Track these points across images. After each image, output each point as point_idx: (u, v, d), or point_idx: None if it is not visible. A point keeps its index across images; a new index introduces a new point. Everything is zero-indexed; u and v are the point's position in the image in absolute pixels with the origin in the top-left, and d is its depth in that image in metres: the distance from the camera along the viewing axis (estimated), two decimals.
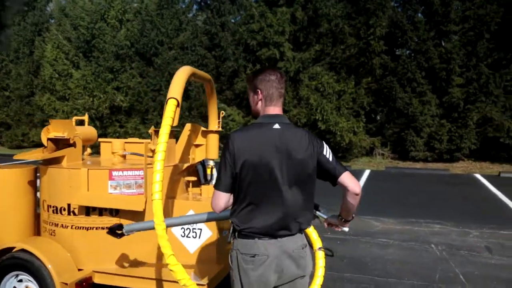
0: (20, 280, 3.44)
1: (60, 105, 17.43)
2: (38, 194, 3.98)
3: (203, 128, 4.02)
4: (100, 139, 4.36)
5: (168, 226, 2.88)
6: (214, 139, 4.02)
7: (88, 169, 3.42)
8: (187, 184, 3.98)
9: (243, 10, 16.10)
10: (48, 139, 3.73)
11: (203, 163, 4.04)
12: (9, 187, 3.70)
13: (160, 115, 16.20)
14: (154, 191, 2.57)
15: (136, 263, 3.55)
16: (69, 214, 3.46)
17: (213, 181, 3.90)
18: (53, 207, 3.52)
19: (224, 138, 2.56)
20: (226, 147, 2.17)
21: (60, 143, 3.83)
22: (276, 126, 2.18)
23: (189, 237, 3.66)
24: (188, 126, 3.92)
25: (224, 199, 2.20)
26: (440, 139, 13.93)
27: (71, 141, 3.79)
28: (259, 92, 2.25)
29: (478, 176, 12.22)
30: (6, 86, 20.50)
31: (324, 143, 2.28)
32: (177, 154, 3.90)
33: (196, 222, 3.19)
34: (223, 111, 4.08)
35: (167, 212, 3.68)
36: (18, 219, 3.73)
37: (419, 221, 7.16)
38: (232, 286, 2.27)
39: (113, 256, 3.51)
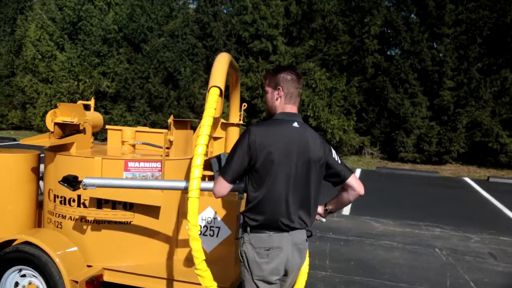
0: (24, 275, 3.15)
1: (42, 88, 16.85)
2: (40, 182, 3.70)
3: (223, 120, 3.77)
4: (108, 126, 4.07)
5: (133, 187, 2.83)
6: (234, 133, 3.79)
7: (102, 158, 3.14)
8: (203, 178, 3.75)
9: (236, 0, 15.77)
10: (55, 123, 3.45)
11: (219, 158, 3.80)
12: (11, 174, 3.40)
13: (148, 103, 15.87)
14: (191, 188, 2.33)
15: (149, 261, 3.30)
16: (78, 205, 3.18)
17: None
18: (61, 197, 3.24)
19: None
20: (244, 138, 2.18)
21: (67, 129, 3.55)
22: (295, 124, 2.25)
23: (206, 235, 3.44)
24: None
25: (228, 189, 2.24)
26: (429, 141, 13.95)
27: (81, 127, 3.51)
28: (281, 89, 2.30)
29: (468, 180, 12.27)
30: None
31: (331, 146, 2.40)
32: (194, 146, 3.64)
33: (165, 188, 2.92)
34: (245, 103, 3.83)
35: (183, 208, 3.45)
36: (19, 209, 3.44)
37: (418, 224, 7.07)
38: (243, 281, 2.28)
39: (125, 252, 3.26)
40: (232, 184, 2.24)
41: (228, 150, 3.83)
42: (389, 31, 15.61)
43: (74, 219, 3.21)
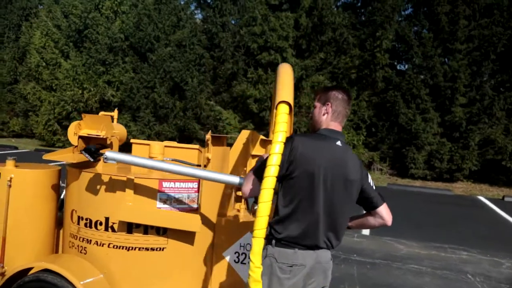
0: None
1: (46, 95, 16.55)
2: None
3: (262, 137, 3.47)
4: (133, 140, 3.73)
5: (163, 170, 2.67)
6: None
7: (135, 177, 2.83)
8: (236, 198, 3.46)
9: (245, 11, 15.56)
10: (80, 137, 3.13)
11: None
12: (30, 191, 3.08)
13: (153, 113, 15.56)
14: (257, 227, 2.01)
15: None
16: (106, 229, 2.86)
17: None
18: (86, 219, 2.92)
19: None
20: (287, 144, 2.09)
21: (91, 143, 3.23)
22: (339, 143, 2.23)
23: (244, 263, 3.13)
24: (245, 133, 3.36)
25: (259, 192, 2.08)
26: (441, 158, 13.68)
27: (108, 141, 3.20)
28: (329, 105, 2.29)
29: (482, 198, 11.97)
30: None
31: (368, 172, 2.36)
32: (230, 164, 3.35)
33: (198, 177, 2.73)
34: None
35: (219, 230, 3.14)
36: (37, 232, 3.11)
37: (443, 246, 6.76)
38: None
39: (156, 281, 2.93)
40: None
41: None
42: (399, 45, 15.44)
43: (101, 244, 2.88)
